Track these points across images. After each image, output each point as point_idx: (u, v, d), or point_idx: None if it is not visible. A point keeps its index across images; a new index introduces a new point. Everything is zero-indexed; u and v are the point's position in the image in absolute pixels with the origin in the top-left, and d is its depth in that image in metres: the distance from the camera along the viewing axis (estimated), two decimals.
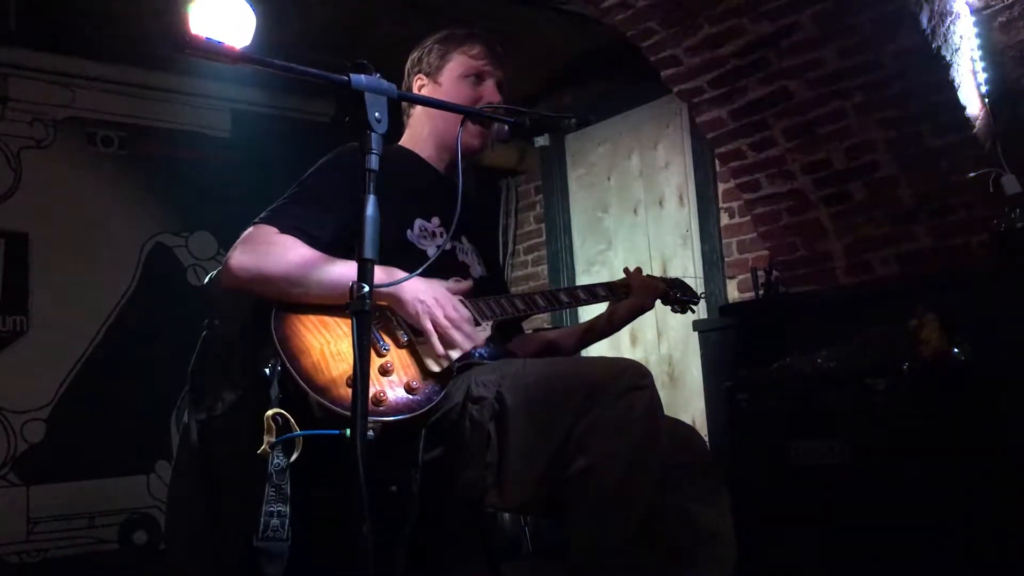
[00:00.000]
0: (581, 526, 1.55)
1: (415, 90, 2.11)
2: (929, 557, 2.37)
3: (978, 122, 3.11)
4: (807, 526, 2.61)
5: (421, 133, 2.10)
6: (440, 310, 1.71)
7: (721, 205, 4.37)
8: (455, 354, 1.71)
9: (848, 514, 2.53)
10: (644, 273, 2.32)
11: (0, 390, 3.90)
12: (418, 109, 2.12)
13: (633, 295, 2.20)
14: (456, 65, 2.08)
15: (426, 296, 1.72)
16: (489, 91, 2.06)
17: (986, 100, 3.13)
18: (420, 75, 2.11)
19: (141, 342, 4.17)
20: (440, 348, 1.70)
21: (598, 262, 5.10)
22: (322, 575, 1.64)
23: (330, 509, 1.60)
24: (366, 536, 1.27)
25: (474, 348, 1.76)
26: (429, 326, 1.70)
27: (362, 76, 1.44)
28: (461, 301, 1.81)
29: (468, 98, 2.03)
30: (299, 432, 1.50)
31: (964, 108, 3.06)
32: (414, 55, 2.15)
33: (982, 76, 3.12)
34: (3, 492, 3.86)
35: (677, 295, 2.39)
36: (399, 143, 2.11)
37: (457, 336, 1.71)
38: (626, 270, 2.34)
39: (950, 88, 3.02)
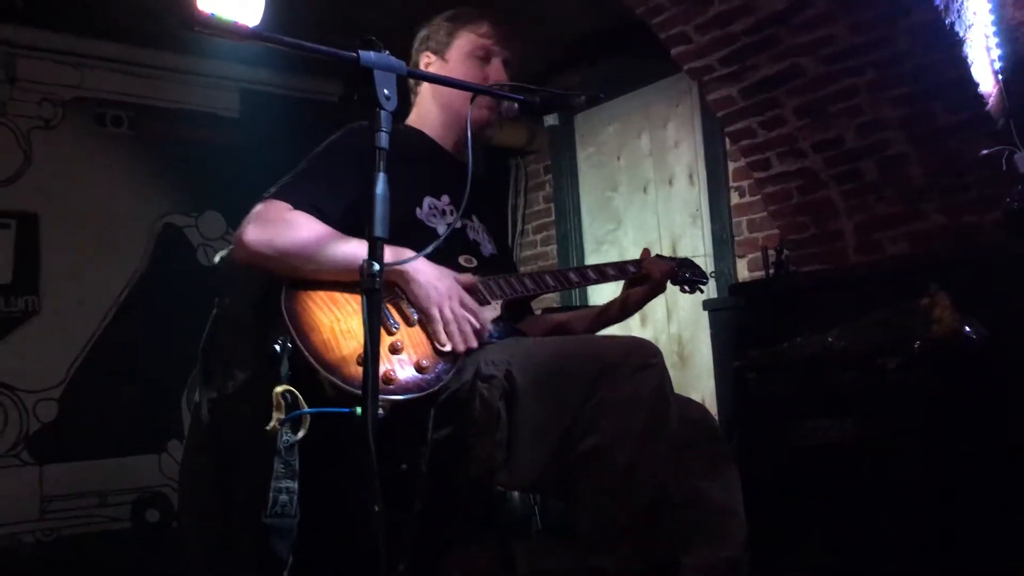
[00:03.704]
0: (590, 505, 1.55)
1: (422, 68, 2.09)
2: (938, 536, 2.37)
3: (991, 99, 3.08)
4: (816, 505, 2.61)
5: (428, 112, 2.09)
6: (449, 302, 1.72)
7: (731, 184, 4.34)
8: (449, 348, 1.71)
9: (857, 493, 2.53)
10: (653, 254, 2.30)
11: (12, 370, 3.93)
12: (425, 87, 2.11)
13: (648, 282, 2.17)
14: (463, 43, 2.07)
15: (440, 284, 1.73)
16: (495, 70, 2.05)
17: (999, 77, 3.10)
18: (427, 52, 2.10)
19: (152, 321, 4.20)
20: (442, 337, 1.70)
21: (607, 242, 5.09)
22: (332, 553, 1.65)
23: (340, 487, 1.60)
24: (376, 514, 1.27)
25: (469, 348, 1.75)
26: (437, 315, 1.70)
27: (371, 53, 1.43)
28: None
29: (475, 77, 2.02)
30: (308, 410, 1.50)
31: (977, 85, 3.03)
32: (422, 32, 2.13)
33: (996, 53, 3.09)
34: (17, 471, 3.90)
35: (687, 275, 2.37)
36: (405, 123, 2.11)
37: (456, 334, 1.71)
38: (643, 254, 2.29)
39: (963, 65, 2.99)
